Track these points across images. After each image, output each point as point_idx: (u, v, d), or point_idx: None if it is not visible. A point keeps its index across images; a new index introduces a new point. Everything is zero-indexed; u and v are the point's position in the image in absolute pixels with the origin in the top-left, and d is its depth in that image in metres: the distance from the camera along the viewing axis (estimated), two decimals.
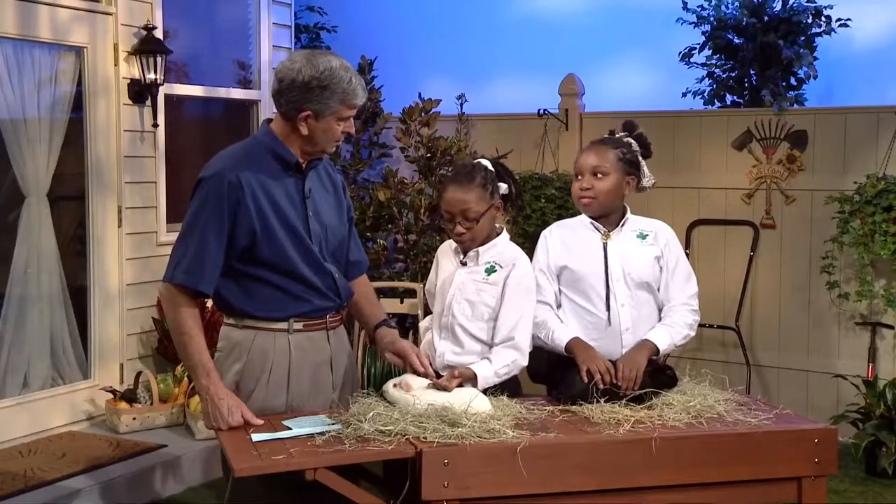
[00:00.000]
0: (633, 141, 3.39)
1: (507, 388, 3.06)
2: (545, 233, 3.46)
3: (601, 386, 3.04)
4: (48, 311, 5.17)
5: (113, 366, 5.38)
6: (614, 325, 3.27)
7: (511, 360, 3.07)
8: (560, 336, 3.25)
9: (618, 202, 3.37)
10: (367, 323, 3.20)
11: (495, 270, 3.15)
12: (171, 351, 5.24)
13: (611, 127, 3.51)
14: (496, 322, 3.11)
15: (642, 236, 3.36)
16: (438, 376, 2.99)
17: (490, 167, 3.19)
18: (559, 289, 3.36)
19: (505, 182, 3.21)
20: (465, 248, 3.19)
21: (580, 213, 3.53)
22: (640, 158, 3.39)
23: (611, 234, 3.36)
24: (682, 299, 3.35)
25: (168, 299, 2.87)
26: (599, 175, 3.30)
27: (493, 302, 3.12)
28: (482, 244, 3.18)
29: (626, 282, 3.30)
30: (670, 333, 3.28)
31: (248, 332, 2.91)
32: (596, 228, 3.37)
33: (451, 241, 3.26)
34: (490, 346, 3.12)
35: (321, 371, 2.97)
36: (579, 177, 3.35)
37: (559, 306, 3.36)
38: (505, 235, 3.24)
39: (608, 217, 3.37)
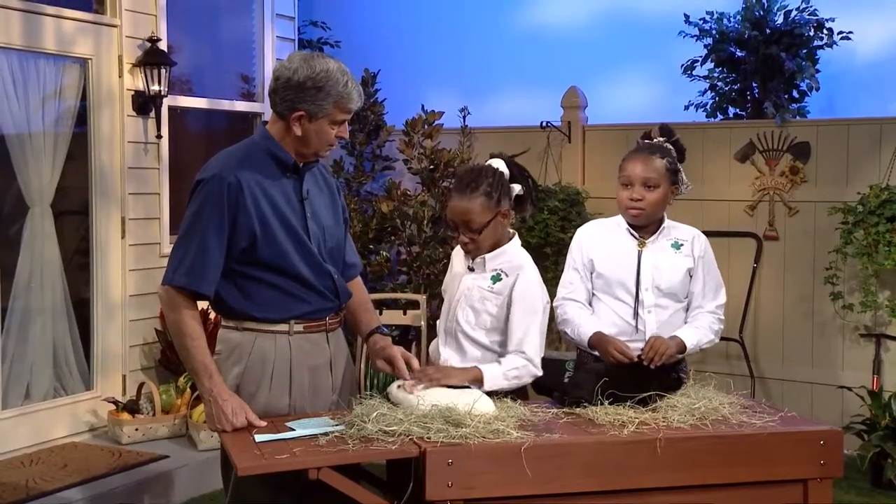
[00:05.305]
0: (672, 147, 3.42)
1: (513, 394, 3.04)
2: (581, 231, 3.52)
3: (627, 359, 3.13)
4: (51, 322, 5.17)
5: (115, 377, 5.37)
6: (641, 331, 3.34)
7: (521, 364, 3.04)
8: (585, 331, 3.32)
9: (662, 212, 3.41)
10: (360, 329, 3.18)
11: (501, 279, 3.11)
12: (174, 362, 5.24)
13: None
14: (506, 333, 3.08)
15: (677, 246, 3.41)
16: None
17: (502, 169, 3.13)
18: (591, 288, 3.42)
19: (518, 182, 3.14)
20: (471, 256, 3.16)
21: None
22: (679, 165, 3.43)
23: (647, 242, 3.40)
24: (711, 307, 3.43)
25: (168, 302, 2.85)
26: (650, 186, 3.34)
27: (496, 311, 3.09)
28: (490, 251, 3.14)
29: (654, 291, 3.35)
30: (697, 335, 3.35)
31: (248, 335, 2.89)
32: (633, 235, 3.41)
33: None
34: (492, 352, 3.10)
35: (321, 373, 2.96)
36: (628, 186, 3.36)
37: (591, 303, 3.42)
38: (515, 241, 3.19)
39: (647, 225, 3.40)
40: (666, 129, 3.47)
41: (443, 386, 2.91)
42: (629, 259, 3.38)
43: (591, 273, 3.42)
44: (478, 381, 2.99)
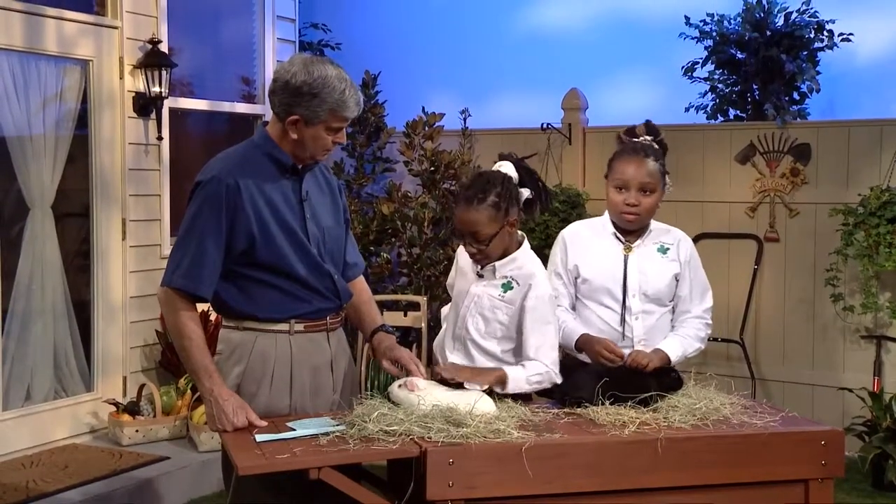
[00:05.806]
0: (659, 147, 3.37)
1: (517, 396, 3.03)
2: (564, 233, 3.42)
3: (618, 357, 3.12)
4: (52, 324, 5.17)
5: (116, 378, 5.37)
6: (628, 338, 3.29)
7: (543, 371, 3.02)
8: (571, 331, 3.26)
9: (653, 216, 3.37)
10: (364, 327, 3.18)
11: (511, 288, 3.06)
12: (175, 363, 5.24)
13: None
14: (516, 340, 3.06)
15: (663, 250, 3.34)
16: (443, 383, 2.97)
17: (511, 173, 3.07)
18: (576, 294, 3.36)
19: (527, 186, 3.08)
20: (480, 265, 3.12)
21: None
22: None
23: (633, 246, 3.34)
24: (697, 312, 3.37)
25: (167, 303, 2.85)
26: (647, 191, 3.27)
27: (507, 320, 3.06)
28: (500, 258, 3.09)
29: (641, 296, 3.30)
30: (682, 344, 3.29)
31: (248, 335, 2.89)
32: (619, 240, 3.35)
33: None
34: (503, 362, 3.07)
35: (322, 373, 2.96)
36: (622, 189, 3.28)
37: (574, 308, 3.36)
38: (525, 247, 3.13)
39: (635, 229, 3.36)
40: (652, 128, 3.39)
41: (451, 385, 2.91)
42: (615, 265, 3.31)
43: (576, 278, 3.35)
44: (501, 383, 2.98)
